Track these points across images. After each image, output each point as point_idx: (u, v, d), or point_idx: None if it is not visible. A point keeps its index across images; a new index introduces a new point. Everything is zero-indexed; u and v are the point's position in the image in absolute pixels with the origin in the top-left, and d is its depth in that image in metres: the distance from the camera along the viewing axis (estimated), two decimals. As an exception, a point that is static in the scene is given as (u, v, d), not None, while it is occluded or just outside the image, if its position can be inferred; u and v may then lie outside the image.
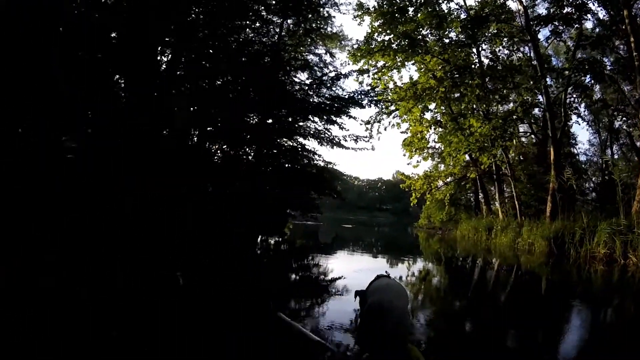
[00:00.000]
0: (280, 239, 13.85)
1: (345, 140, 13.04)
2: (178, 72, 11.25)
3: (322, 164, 13.63)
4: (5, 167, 5.90)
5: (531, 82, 15.89)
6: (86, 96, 7.64)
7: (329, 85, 12.81)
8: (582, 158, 27.15)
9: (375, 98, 13.35)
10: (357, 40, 19.07)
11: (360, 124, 13.35)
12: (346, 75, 13.03)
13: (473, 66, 17.00)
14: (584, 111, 21.92)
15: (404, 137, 21.39)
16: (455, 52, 16.62)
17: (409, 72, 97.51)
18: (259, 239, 12.64)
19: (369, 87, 14.47)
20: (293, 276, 7.71)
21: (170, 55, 11.12)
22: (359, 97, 12.74)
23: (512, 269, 10.33)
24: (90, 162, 7.96)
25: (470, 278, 9.13)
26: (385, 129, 22.91)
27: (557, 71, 15.60)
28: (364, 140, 13.14)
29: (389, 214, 78.48)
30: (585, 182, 25.07)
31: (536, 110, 19.07)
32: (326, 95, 12.88)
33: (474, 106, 16.79)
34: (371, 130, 21.83)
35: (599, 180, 25.77)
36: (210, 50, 11.25)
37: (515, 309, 5.93)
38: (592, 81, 15.10)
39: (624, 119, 21.03)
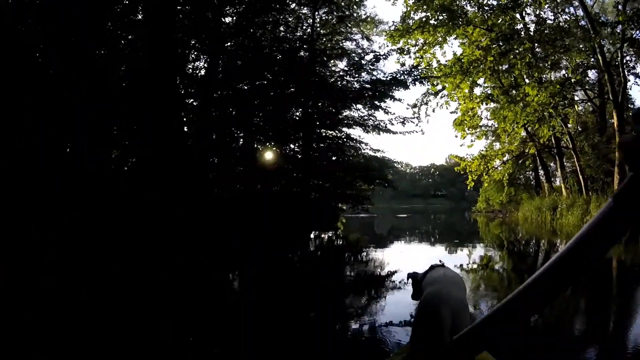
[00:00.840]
0: (334, 234, 13.49)
1: (392, 124, 12.49)
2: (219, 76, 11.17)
3: (370, 152, 13.18)
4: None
5: (584, 43, 14.66)
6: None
7: (368, 69, 12.28)
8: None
9: (419, 76, 12.65)
10: (393, 21, 18.25)
11: (407, 108, 12.65)
12: (385, 56, 12.50)
13: (519, 32, 15.81)
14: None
15: (454, 117, 20.37)
16: (498, 18, 15.41)
17: (452, 48, 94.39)
18: (312, 236, 12.44)
19: (412, 67, 13.73)
20: (348, 271, 7.35)
21: (207, 63, 11.08)
22: (402, 77, 12.13)
23: None
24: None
25: (535, 264, 8.29)
26: (433, 111, 21.91)
27: (610, 25, 14.05)
28: (411, 121, 12.54)
29: (445, 200, 76.45)
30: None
31: (590, 75, 17.72)
32: (367, 80, 12.37)
33: (525, 76, 15.54)
34: (419, 113, 21.02)
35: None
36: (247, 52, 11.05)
37: (593, 296, 5.23)
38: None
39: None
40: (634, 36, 14.05)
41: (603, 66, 14.40)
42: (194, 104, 11.14)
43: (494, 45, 14.75)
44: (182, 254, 7.14)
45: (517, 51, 15.66)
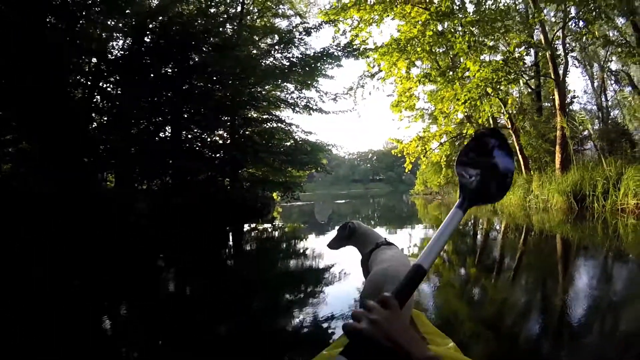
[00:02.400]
0: (271, 225, 12.36)
1: (323, 102, 11.40)
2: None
3: (301, 135, 12.01)
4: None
5: (524, 23, 14.34)
6: None
7: (298, 44, 11.05)
8: (575, 107, 25.75)
9: (354, 52, 11.62)
10: (328, 2, 17.07)
11: (343, 91, 11.54)
12: (317, 28, 11.32)
13: (457, 12, 15.23)
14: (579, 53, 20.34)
15: (390, 101, 19.79)
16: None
17: (389, 30, 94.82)
18: (246, 228, 11.29)
19: (346, 44, 12.63)
20: (284, 265, 6.51)
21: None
22: (335, 52, 11.04)
23: (528, 230, 8.91)
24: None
25: (482, 245, 7.64)
26: (370, 94, 21.22)
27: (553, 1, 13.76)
28: (343, 98, 11.50)
29: (384, 184, 77.90)
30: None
31: (527, 60, 17.60)
32: (296, 57, 11.12)
33: (463, 58, 14.92)
34: (355, 97, 20.39)
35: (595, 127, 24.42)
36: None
37: (540, 275, 5.01)
38: (593, 13, 13.35)
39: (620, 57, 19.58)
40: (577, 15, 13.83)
41: (545, 44, 14.05)
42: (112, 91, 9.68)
43: (431, 23, 13.94)
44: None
45: (456, 30, 15.20)
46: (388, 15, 16.51)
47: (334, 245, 2.87)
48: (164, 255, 7.24)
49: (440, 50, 18.86)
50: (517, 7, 16.79)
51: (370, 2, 15.80)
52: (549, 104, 22.15)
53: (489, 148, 1.22)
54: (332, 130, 76.18)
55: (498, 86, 13.73)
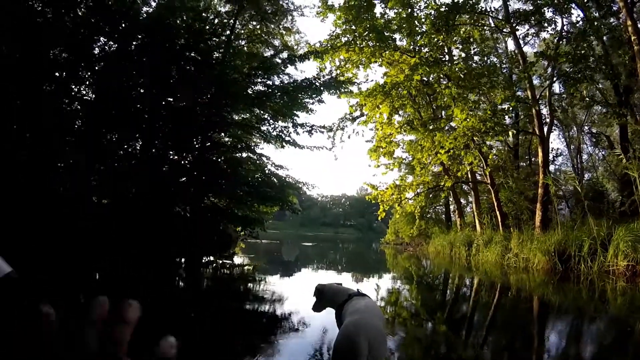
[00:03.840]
0: (230, 261, 11.38)
1: (298, 134, 10.68)
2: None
3: (271, 168, 11.17)
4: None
5: (511, 79, 14.35)
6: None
7: (279, 72, 10.39)
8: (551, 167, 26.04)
9: (337, 86, 11.04)
10: (319, 41, 16.78)
11: (322, 132, 10.84)
12: (301, 59, 10.73)
13: (446, 63, 15.10)
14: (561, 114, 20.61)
15: (368, 147, 19.41)
16: (427, 45, 14.61)
17: (375, 75, 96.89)
18: (204, 261, 10.30)
19: (331, 78, 12.09)
20: (242, 307, 5.63)
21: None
22: (317, 84, 10.43)
23: (505, 289, 8.33)
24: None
25: (453, 302, 7.00)
26: (349, 137, 20.75)
27: (544, 57, 13.73)
28: (319, 131, 10.78)
29: (354, 230, 77.40)
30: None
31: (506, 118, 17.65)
32: (277, 85, 10.44)
33: (451, 104, 14.64)
34: (334, 138, 19.97)
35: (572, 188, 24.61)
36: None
37: (513, 338, 4.60)
38: (579, 75, 13.39)
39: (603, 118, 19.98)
40: (565, 73, 13.85)
41: (532, 100, 13.90)
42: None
43: (419, 68, 13.64)
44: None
45: (441, 82, 15.12)
46: (376, 61, 16.28)
47: (316, 308, 3.04)
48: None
49: (424, 102, 18.82)
50: (503, 67, 16.99)
51: (360, 45, 15.57)
52: (524, 163, 22.23)
53: None
54: (307, 170, 76.00)
55: (485, 137, 13.35)
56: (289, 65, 10.44)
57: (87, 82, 9.26)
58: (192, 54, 9.90)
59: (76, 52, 8.40)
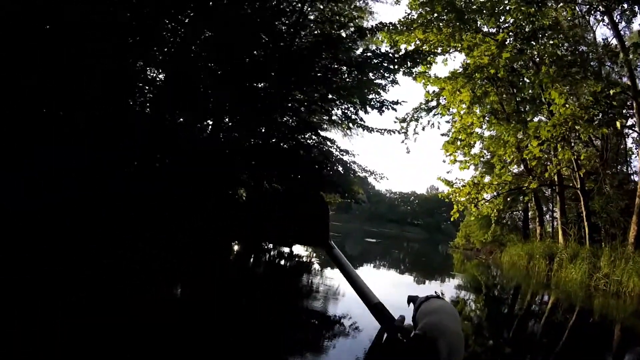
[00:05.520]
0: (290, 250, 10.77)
1: (366, 112, 9.55)
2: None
3: (337, 153, 10.14)
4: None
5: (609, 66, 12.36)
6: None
7: (347, 45, 9.33)
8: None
9: (416, 58, 9.75)
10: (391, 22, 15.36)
11: (394, 109, 9.62)
12: (373, 32, 9.61)
13: (538, 41, 13.14)
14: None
15: (445, 140, 17.83)
16: (515, 22, 12.84)
17: (454, 61, 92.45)
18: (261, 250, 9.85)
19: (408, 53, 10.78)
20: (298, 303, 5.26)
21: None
22: (389, 57, 9.24)
23: (590, 317, 7.01)
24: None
25: (528, 324, 5.79)
26: (423, 129, 19.20)
27: None
28: (391, 107, 9.48)
29: (420, 230, 75.04)
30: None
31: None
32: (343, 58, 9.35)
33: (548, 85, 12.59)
34: (407, 129, 18.61)
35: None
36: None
37: None
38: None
39: None
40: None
41: (632, 92, 11.80)
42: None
43: (509, 45, 11.95)
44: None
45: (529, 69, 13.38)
46: (455, 46, 14.76)
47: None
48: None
49: (506, 94, 17.01)
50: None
51: (438, 25, 14.16)
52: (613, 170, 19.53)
53: None
54: (376, 164, 74.47)
55: (588, 128, 11.35)
56: (358, 39, 9.37)
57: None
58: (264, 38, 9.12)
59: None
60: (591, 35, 19.83)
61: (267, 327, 3.82)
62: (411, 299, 3.16)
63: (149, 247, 6.70)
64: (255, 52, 9.38)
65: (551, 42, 14.29)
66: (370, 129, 9.82)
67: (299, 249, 11.40)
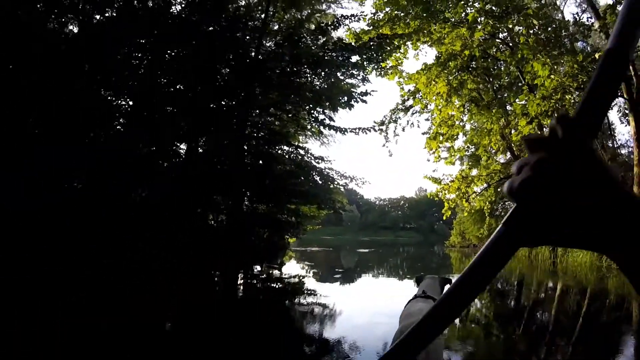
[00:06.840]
0: (278, 271, 10.05)
1: (335, 111, 8.89)
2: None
3: (311, 162, 9.39)
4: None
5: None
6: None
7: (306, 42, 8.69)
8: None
9: (384, 51, 9.18)
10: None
11: (364, 101, 9.00)
12: (335, 26, 9.00)
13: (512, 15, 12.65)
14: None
15: (427, 137, 17.24)
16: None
17: (426, 57, 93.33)
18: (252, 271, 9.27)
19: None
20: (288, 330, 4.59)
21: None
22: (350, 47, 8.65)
23: (606, 298, 6.77)
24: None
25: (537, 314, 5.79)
26: (403, 130, 18.57)
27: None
28: (360, 100, 8.85)
29: (414, 233, 74.47)
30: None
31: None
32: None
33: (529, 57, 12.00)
34: (387, 133, 18.01)
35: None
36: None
37: None
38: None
39: None
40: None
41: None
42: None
43: (481, 19, 11.38)
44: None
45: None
46: (425, 41, 14.22)
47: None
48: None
49: (483, 84, 16.54)
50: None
51: (405, 20, 13.64)
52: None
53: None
54: (359, 173, 73.94)
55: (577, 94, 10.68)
56: (319, 37, 8.73)
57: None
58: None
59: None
60: (559, 15, 19.65)
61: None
62: (418, 279, 3.13)
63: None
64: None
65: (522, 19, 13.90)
66: (343, 130, 9.15)
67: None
